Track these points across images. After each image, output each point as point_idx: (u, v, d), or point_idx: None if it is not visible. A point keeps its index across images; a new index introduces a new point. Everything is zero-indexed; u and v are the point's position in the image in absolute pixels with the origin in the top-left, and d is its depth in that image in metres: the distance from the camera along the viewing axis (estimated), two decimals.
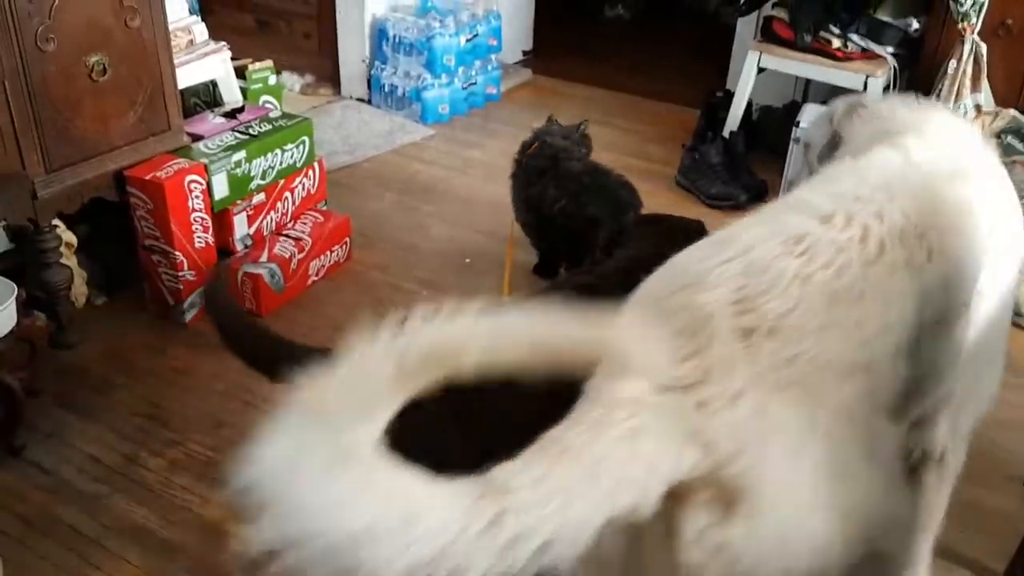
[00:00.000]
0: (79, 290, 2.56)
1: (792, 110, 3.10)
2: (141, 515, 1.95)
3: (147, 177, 2.39)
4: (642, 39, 5.32)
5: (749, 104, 3.47)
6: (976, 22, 2.90)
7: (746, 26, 3.85)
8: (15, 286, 2.11)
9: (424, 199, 3.37)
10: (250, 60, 3.04)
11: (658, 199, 3.37)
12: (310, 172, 2.81)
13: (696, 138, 3.52)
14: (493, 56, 4.23)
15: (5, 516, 1.93)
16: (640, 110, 4.21)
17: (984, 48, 2.90)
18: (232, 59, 3.05)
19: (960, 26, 2.88)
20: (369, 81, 4.10)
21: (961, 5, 2.86)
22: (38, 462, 2.08)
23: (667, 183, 3.48)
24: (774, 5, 3.24)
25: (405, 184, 3.48)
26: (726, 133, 3.41)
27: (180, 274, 2.49)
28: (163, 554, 1.86)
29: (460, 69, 4.04)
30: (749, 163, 3.39)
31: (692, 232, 1.80)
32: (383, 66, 4.03)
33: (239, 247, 2.63)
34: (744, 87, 3.36)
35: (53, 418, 2.21)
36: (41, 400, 2.23)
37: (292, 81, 4.16)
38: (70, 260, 2.50)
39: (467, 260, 2.98)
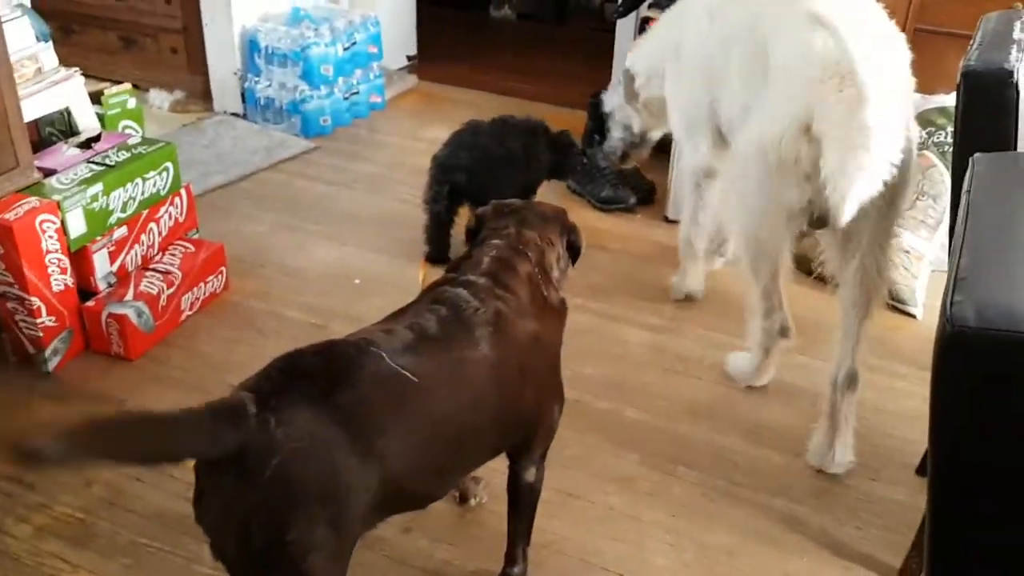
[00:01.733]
0: None
1: None
2: None
3: None
4: (530, 40, 5.27)
5: None
6: None
7: (627, 27, 3.83)
8: None
9: (307, 218, 3.24)
10: (107, 84, 2.86)
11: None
12: (176, 200, 2.66)
13: (584, 142, 3.48)
14: (375, 64, 4.11)
15: None
16: (530, 114, 4.15)
17: None
18: (94, 78, 2.86)
19: None
20: (243, 95, 3.93)
21: None
22: None
23: (560, 188, 3.44)
24: (650, 6, 3.22)
25: (286, 203, 3.34)
26: None
27: (39, 321, 2.32)
28: None
29: (340, 79, 3.91)
30: (636, 165, 3.37)
31: (551, 218, 1.79)
32: (257, 79, 3.87)
33: (102, 286, 2.47)
34: None
35: None
36: None
37: (161, 99, 3.96)
38: None
39: (356, 281, 2.87)
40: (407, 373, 1.42)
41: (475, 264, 1.67)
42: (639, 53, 2.67)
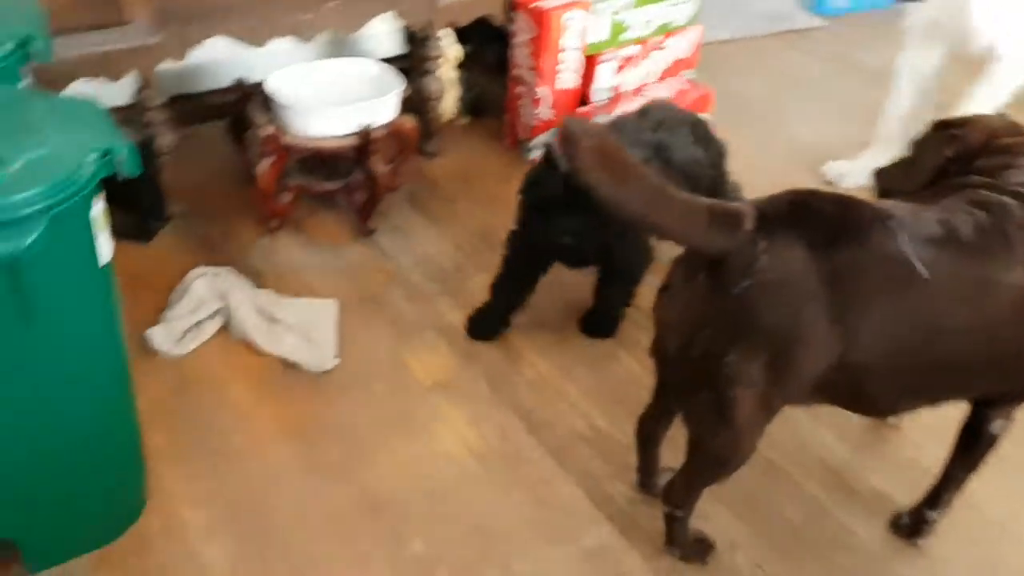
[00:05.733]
0: (447, 105, 2.70)
1: None
2: (456, 319, 2.06)
3: (532, 5, 2.41)
4: None
5: None
6: None
7: None
8: (404, 80, 2.25)
9: (792, 91, 3.15)
10: None
11: None
12: (688, 34, 2.70)
13: None
14: None
15: (350, 287, 2.14)
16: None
17: None
18: None
19: None
20: None
21: None
22: (384, 248, 2.27)
23: None
24: None
25: (776, 72, 3.27)
26: None
27: (537, 111, 2.53)
28: (466, 358, 1.98)
29: None
30: None
31: None
32: None
33: (597, 97, 2.61)
34: None
35: (403, 214, 2.38)
36: (397, 196, 2.42)
37: None
38: (448, 75, 2.62)
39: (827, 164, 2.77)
40: (919, 264, 1.28)
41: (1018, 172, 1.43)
42: None
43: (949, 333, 1.32)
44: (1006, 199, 1.39)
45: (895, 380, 1.37)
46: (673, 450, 1.58)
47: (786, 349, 1.29)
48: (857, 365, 1.31)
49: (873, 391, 1.39)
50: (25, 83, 1.45)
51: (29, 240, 1.08)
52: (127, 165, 1.20)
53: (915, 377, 1.38)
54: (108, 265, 1.29)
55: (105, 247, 1.26)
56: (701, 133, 2.05)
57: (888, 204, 1.38)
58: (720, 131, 2.79)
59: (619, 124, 1.99)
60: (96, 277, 1.26)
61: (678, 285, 1.37)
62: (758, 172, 2.62)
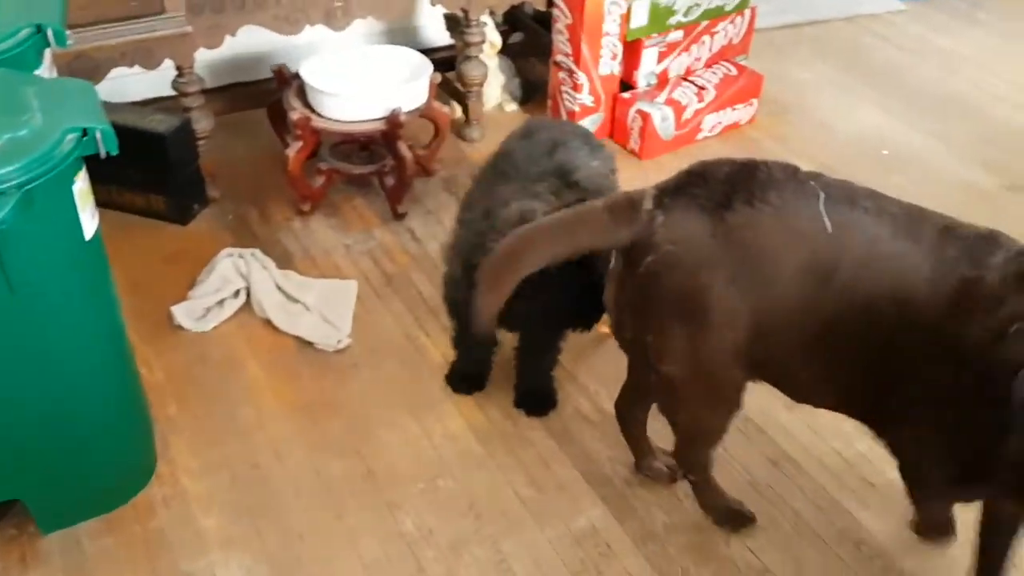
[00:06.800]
0: (491, 92, 2.70)
1: None
2: None
3: None
4: None
5: None
6: None
7: None
8: (431, 65, 2.28)
9: (865, 81, 3.01)
10: None
11: None
12: (738, 19, 2.63)
13: None
14: None
15: (375, 269, 2.18)
16: None
17: None
18: None
19: None
20: None
21: None
22: (413, 230, 2.30)
23: None
24: None
25: (847, 60, 3.13)
26: None
27: (578, 96, 2.51)
28: None
29: None
30: None
31: None
32: None
33: (641, 83, 2.57)
34: None
35: (438, 199, 2.41)
36: (433, 181, 2.45)
37: None
38: (491, 61, 2.63)
39: (884, 152, 2.66)
40: (827, 219, 1.22)
41: None
42: None
43: (848, 296, 1.22)
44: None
45: (799, 350, 1.28)
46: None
47: (695, 318, 1.27)
48: (768, 328, 1.25)
49: (781, 359, 1.31)
50: (43, 69, 1.54)
51: (1, 214, 1.14)
52: (106, 144, 1.26)
53: (813, 351, 1.28)
54: (96, 240, 1.36)
55: (89, 223, 1.32)
56: (592, 143, 1.85)
57: (825, 175, 1.29)
58: (771, 118, 2.75)
59: (510, 155, 1.79)
60: (80, 251, 1.33)
61: (612, 273, 1.38)
62: (807, 160, 2.53)
